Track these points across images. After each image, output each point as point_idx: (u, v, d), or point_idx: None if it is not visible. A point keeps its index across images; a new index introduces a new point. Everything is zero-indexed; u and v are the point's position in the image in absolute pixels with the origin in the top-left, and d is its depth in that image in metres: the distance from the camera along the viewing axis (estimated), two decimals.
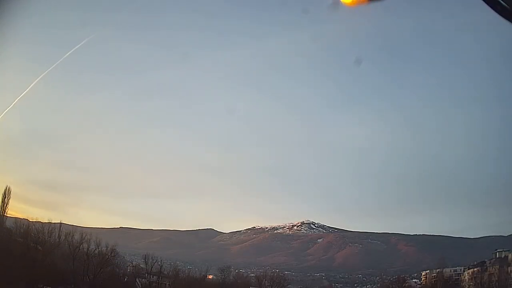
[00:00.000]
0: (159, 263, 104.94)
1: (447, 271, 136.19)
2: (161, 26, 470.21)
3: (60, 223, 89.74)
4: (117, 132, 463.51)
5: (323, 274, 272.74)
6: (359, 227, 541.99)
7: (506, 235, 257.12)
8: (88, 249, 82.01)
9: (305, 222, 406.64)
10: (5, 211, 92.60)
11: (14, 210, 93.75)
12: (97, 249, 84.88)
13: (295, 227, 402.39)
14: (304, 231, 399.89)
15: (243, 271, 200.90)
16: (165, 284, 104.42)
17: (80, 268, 78.22)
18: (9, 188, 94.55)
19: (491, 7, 3.79)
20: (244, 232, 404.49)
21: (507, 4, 3.75)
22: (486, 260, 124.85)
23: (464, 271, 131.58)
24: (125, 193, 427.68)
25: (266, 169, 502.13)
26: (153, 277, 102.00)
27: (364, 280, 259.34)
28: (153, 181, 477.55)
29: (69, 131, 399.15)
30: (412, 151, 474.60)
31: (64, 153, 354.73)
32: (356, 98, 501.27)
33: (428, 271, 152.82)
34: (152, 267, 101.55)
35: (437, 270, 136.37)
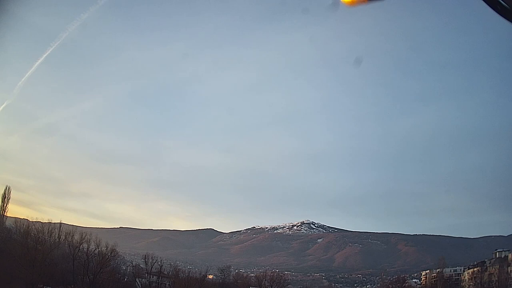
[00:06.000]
0: (159, 263, 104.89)
1: (447, 271, 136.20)
2: (155, 27, 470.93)
3: (60, 223, 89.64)
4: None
5: (323, 274, 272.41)
6: (359, 227, 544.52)
7: (506, 235, 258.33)
8: (88, 249, 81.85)
9: (305, 222, 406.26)
10: (5, 211, 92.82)
11: None
12: (97, 249, 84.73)
13: (295, 227, 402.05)
14: (304, 231, 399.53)
15: (243, 271, 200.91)
16: (165, 284, 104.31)
17: (80, 268, 78.11)
18: (9, 188, 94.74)
19: (491, 7, 3.79)
20: (244, 232, 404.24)
21: (507, 4, 3.75)
22: (486, 260, 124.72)
23: (464, 271, 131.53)
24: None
25: (266, 168, 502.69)
26: (153, 277, 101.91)
27: (364, 280, 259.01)
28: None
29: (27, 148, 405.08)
30: (409, 151, 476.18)
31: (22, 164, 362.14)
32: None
33: (428, 271, 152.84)
34: (152, 267, 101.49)
35: (437, 270, 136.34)
